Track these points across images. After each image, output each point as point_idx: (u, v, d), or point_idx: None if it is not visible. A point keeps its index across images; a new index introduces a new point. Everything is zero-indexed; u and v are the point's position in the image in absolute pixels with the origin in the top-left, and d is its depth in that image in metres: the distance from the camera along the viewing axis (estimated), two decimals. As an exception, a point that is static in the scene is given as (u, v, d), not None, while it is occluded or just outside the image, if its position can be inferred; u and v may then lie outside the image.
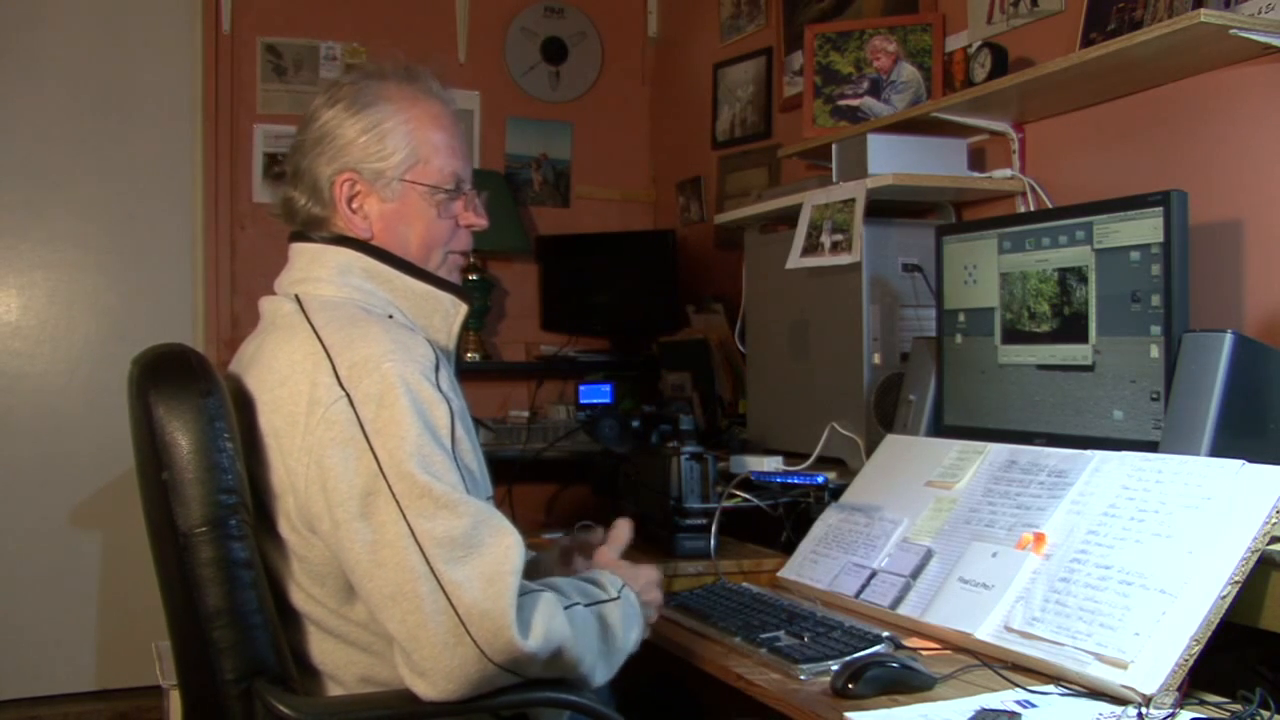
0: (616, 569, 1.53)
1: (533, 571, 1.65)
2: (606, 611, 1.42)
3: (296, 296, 1.46)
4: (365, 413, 1.30)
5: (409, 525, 1.26)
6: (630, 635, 1.44)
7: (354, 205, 1.49)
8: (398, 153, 1.48)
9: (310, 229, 1.51)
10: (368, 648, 1.39)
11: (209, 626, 1.32)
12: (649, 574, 1.55)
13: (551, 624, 1.29)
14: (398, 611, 1.25)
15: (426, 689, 1.25)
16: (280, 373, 1.37)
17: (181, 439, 1.33)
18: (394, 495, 1.26)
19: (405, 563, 1.25)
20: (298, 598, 1.39)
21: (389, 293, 1.47)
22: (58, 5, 3.70)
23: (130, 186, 3.77)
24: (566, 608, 1.33)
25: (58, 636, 3.61)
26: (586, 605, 1.39)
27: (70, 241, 3.73)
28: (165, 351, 1.40)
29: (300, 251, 1.52)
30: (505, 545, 1.28)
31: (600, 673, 1.39)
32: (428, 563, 1.24)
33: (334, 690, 1.41)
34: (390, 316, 1.45)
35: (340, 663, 1.40)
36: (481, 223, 1.57)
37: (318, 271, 1.48)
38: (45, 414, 3.65)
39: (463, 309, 1.51)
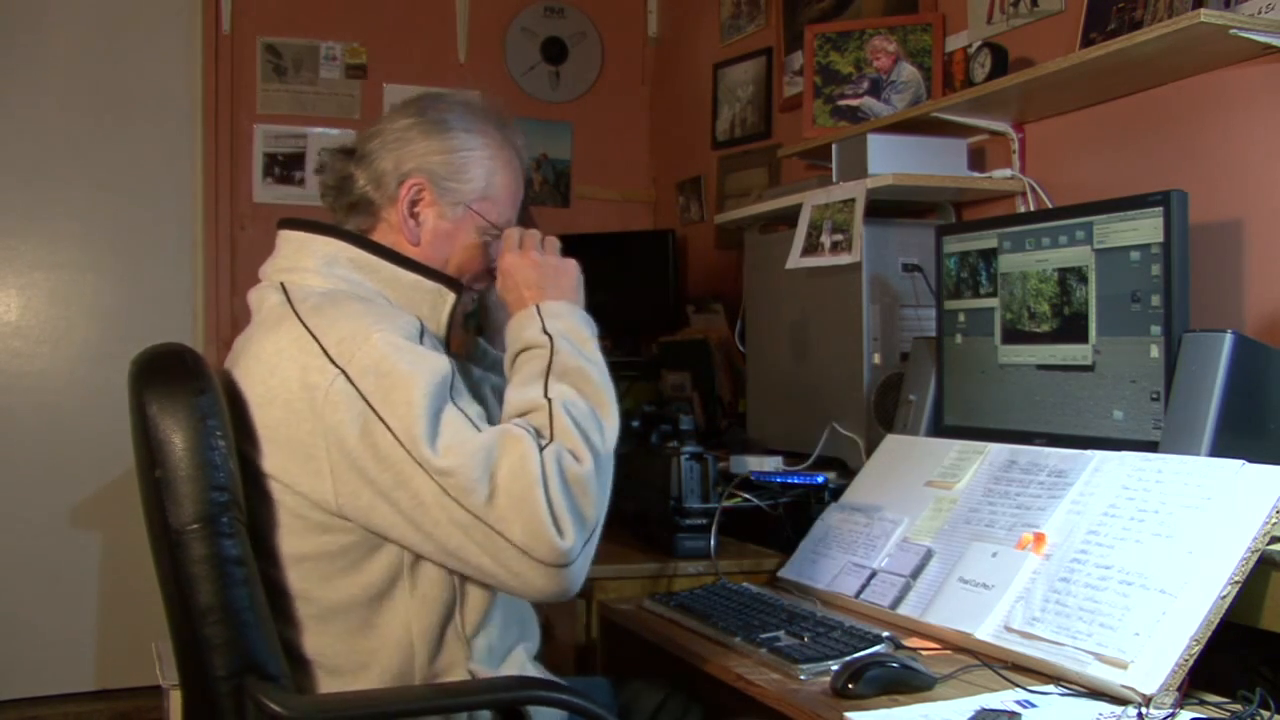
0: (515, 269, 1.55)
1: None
2: (567, 389, 1.40)
3: (282, 285, 1.46)
4: (365, 386, 1.31)
5: (439, 485, 1.29)
6: (586, 351, 1.45)
7: (415, 210, 1.52)
8: (474, 181, 1.54)
9: (350, 210, 1.55)
10: (371, 628, 1.39)
11: (201, 624, 1.33)
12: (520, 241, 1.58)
13: (585, 506, 1.32)
14: (473, 560, 1.31)
15: (541, 592, 1.32)
16: (269, 363, 1.38)
17: (174, 437, 1.34)
18: (416, 461, 1.29)
19: (454, 517, 1.29)
20: (302, 584, 1.40)
21: (377, 282, 1.48)
22: (58, 5, 3.70)
23: (130, 186, 3.77)
24: (576, 444, 1.34)
25: (58, 636, 3.61)
26: (549, 400, 1.38)
27: (70, 242, 3.73)
28: (162, 351, 1.41)
29: (287, 239, 1.52)
30: (519, 455, 1.30)
31: (609, 405, 1.42)
32: (470, 511, 1.28)
33: (328, 681, 1.41)
34: None
35: (340, 651, 1.40)
36: None
37: (304, 261, 1.48)
38: (45, 414, 3.65)
39: (450, 296, 1.51)
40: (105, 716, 3.52)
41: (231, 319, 3.78)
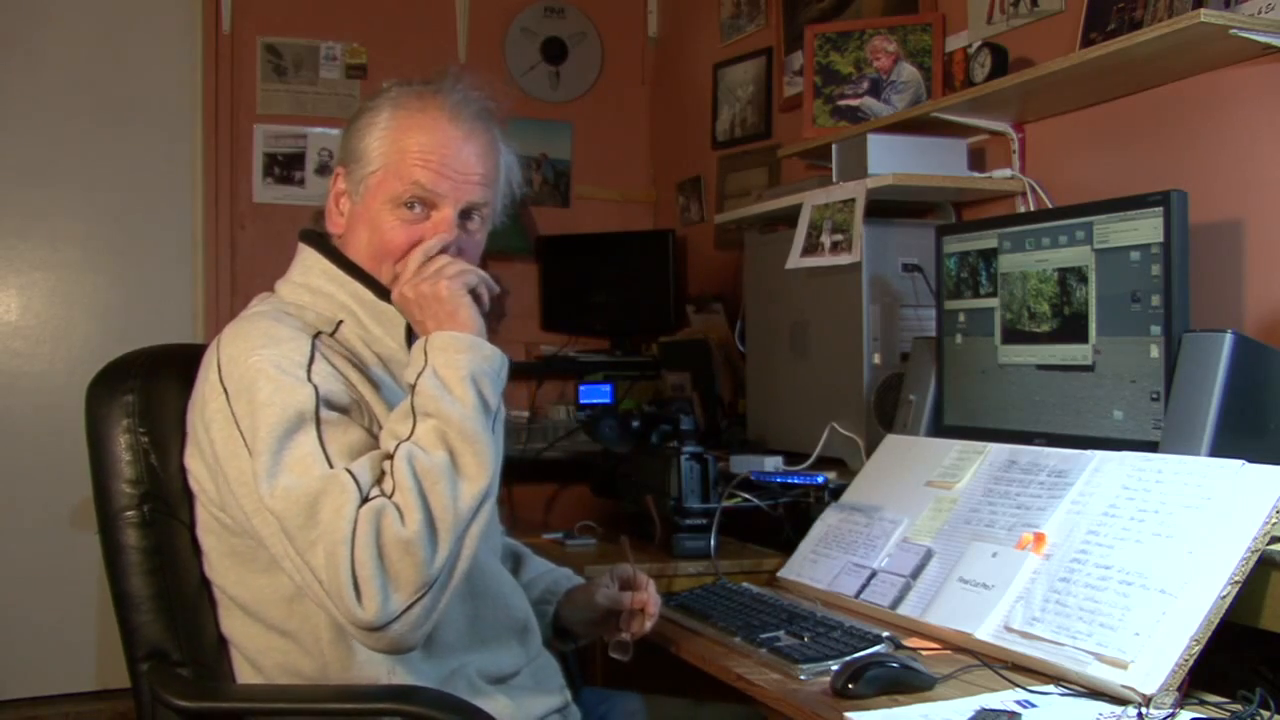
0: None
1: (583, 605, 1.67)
2: (420, 410, 1.29)
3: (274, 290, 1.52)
4: (238, 408, 1.31)
5: (277, 523, 1.26)
6: (458, 397, 1.29)
7: (340, 203, 1.50)
8: (371, 153, 1.45)
9: (318, 222, 1.54)
10: (286, 632, 1.39)
11: (119, 609, 1.45)
12: (411, 291, 1.39)
13: (376, 555, 1.21)
14: (312, 597, 1.27)
15: (367, 646, 1.28)
16: (202, 366, 1.41)
17: (102, 434, 1.48)
18: (258, 494, 1.27)
19: (289, 553, 1.26)
20: (222, 578, 1.42)
21: (345, 297, 1.47)
22: (58, 6, 3.69)
23: (130, 186, 3.76)
24: (388, 495, 1.24)
25: (58, 636, 3.61)
26: (405, 439, 1.27)
27: (70, 241, 3.73)
28: (124, 355, 1.56)
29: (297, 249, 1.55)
30: (335, 509, 1.22)
31: (469, 484, 1.27)
32: (298, 553, 1.24)
33: (247, 670, 1.42)
34: (340, 322, 1.45)
35: (260, 648, 1.40)
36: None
37: (292, 271, 1.52)
38: (45, 414, 3.64)
39: (400, 322, 1.46)
40: (105, 716, 3.52)
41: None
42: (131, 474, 1.46)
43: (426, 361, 1.33)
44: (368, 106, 1.49)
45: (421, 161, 1.42)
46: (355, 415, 1.35)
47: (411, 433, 1.29)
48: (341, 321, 1.45)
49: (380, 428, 1.36)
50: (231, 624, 1.43)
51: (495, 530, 1.61)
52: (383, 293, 1.46)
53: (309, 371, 1.33)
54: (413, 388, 1.32)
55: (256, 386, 1.30)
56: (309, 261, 1.50)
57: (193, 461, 1.41)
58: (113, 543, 1.47)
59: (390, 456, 1.28)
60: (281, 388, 1.30)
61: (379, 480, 1.27)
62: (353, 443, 1.30)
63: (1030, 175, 2.37)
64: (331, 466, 1.26)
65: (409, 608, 1.22)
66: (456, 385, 1.31)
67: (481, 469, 1.28)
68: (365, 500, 1.23)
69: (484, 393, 1.32)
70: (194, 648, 1.43)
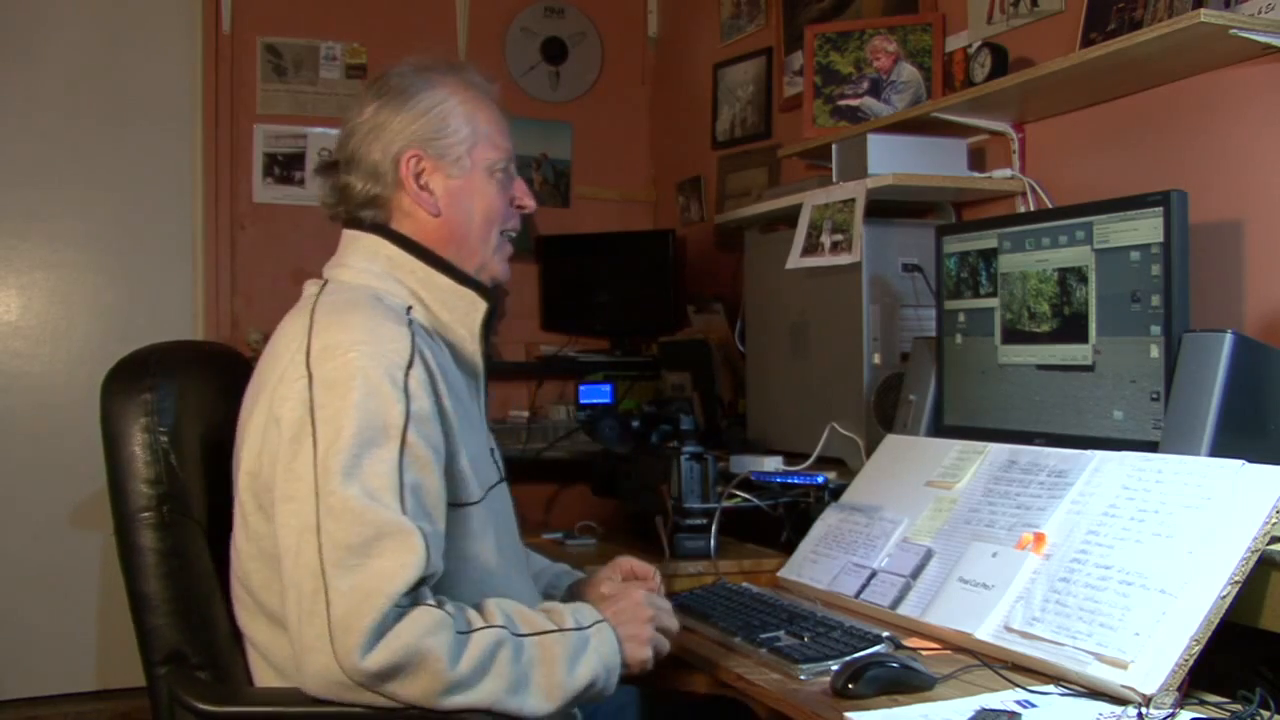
0: (607, 601, 1.49)
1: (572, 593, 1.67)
2: (547, 642, 1.34)
3: (326, 280, 1.50)
4: (319, 397, 1.31)
5: (318, 520, 1.26)
6: (576, 671, 1.35)
7: (421, 182, 1.51)
8: (461, 129, 1.52)
9: (367, 210, 1.53)
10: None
11: (135, 611, 1.42)
12: (637, 608, 1.48)
13: (416, 648, 1.23)
14: (291, 599, 1.27)
15: (301, 681, 1.27)
16: (275, 349, 1.40)
17: (119, 432, 1.45)
18: (316, 488, 1.27)
19: (305, 555, 1.26)
20: (250, 580, 1.40)
21: (414, 283, 1.48)
22: (58, 6, 3.69)
23: (130, 186, 3.77)
24: (463, 632, 1.27)
25: (58, 636, 3.60)
26: (515, 634, 1.32)
27: (70, 241, 3.73)
28: (139, 351, 1.52)
29: (345, 237, 1.55)
30: (400, 564, 1.24)
31: (527, 703, 1.31)
32: (321, 563, 1.24)
33: (268, 673, 1.41)
34: (410, 307, 1.45)
35: (287, 655, 1.38)
36: (531, 204, 1.61)
37: (349, 258, 1.51)
38: (45, 414, 3.64)
39: (481, 306, 1.50)
40: (105, 716, 3.52)
41: (231, 319, 3.78)
42: (150, 474, 1.43)
43: (591, 628, 1.39)
44: (419, 89, 1.52)
45: (502, 130, 1.57)
46: (432, 431, 1.35)
47: (533, 634, 1.34)
48: (410, 308, 1.46)
49: (445, 437, 1.37)
50: (256, 627, 1.41)
51: (517, 544, 1.61)
52: (459, 276, 1.49)
53: (407, 377, 1.33)
54: (570, 624, 1.38)
55: (352, 384, 1.30)
56: (372, 247, 1.50)
57: (244, 450, 1.39)
58: (129, 544, 1.43)
59: (492, 625, 1.30)
60: (376, 394, 1.30)
61: (468, 607, 1.30)
62: (426, 487, 1.31)
63: (1030, 175, 2.37)
64: (403, 497, 1.27)
65: (385, 692, 1.23)
66: (585, 665, 1.36)
67: (533, 707, 1.31)
68: (428, 578, 1.26)
69: (588, 690, 1.36)
70: (211, 650, 1.42)
